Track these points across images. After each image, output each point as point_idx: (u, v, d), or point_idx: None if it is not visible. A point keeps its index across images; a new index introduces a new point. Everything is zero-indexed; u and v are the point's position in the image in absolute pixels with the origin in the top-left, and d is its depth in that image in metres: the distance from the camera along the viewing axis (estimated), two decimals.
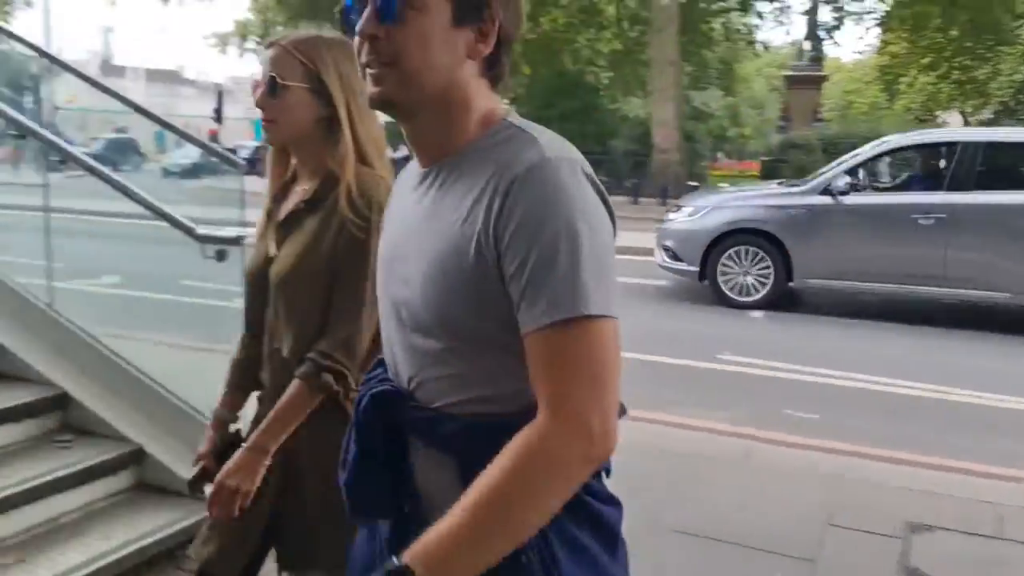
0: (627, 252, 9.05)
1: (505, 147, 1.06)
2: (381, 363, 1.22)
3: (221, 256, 2.78)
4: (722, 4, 25.50)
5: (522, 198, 1.00)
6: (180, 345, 4.54)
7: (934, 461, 4.17)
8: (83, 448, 3.09)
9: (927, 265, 7.38)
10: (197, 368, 3.41)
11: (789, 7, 35.04)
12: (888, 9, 25.67)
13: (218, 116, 24.97)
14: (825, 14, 26.58)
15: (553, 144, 1.06)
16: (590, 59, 28.49)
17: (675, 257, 8.55)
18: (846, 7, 26.89)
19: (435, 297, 1.05)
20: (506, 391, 1.05)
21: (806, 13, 26.10)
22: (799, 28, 52.29)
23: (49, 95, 6.66)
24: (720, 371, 6.08)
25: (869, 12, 27.47)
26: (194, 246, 2.83)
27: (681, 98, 22.82)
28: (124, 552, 2.71)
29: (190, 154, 19.13)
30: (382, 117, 1.38)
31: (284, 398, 1.63)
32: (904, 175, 8.86)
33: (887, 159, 8.91)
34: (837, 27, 27.69)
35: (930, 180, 7.89)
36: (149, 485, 3.08)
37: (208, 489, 1.67)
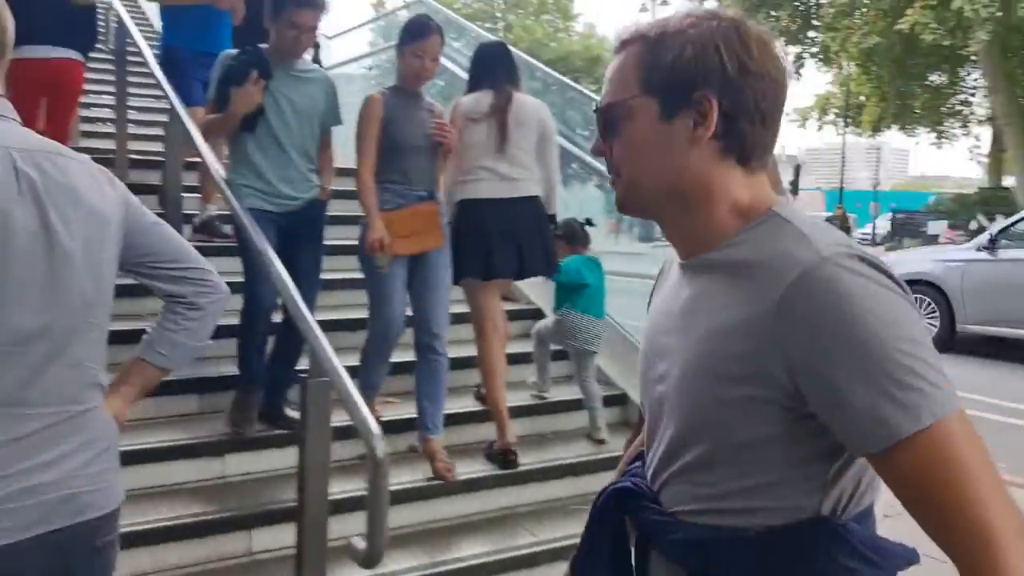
0: None
1: (769, 244, 0.99)
2: (641, 456, 1.21)
3: None
4: None
5: (806, 311, 0.91)
6: None
7: None
8: None
9: None
10: None
11: None
12: None
13: (795, 188, 26.10)
14: None
15: (826, 239, 0.96)
16: None
17: None
18: None
19: (691, 402, 1.03)
20: (775, 505, 0.98)
21: None
22: None
23: None
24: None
25: None
26: None
27: None
28: None
29: None
30: None
31: None
32: None
33: None
34: None
35: None
36: None
37: None
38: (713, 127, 1.02)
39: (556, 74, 7.66)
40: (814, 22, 25.02)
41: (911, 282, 8.18)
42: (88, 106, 6.38)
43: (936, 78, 24.88)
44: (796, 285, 0.92)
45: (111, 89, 5.78)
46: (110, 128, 5.91)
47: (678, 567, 1.06)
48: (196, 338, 1.70)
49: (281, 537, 3.00)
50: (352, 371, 2.72)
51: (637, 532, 1.16)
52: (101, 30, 6.45)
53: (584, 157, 5.95)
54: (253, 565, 3.04)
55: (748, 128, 1.03)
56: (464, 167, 3.71)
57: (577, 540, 1.27)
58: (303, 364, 3.15)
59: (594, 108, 1.11)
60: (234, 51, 3.40)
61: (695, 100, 1.01)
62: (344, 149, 4.58)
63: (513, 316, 4.62)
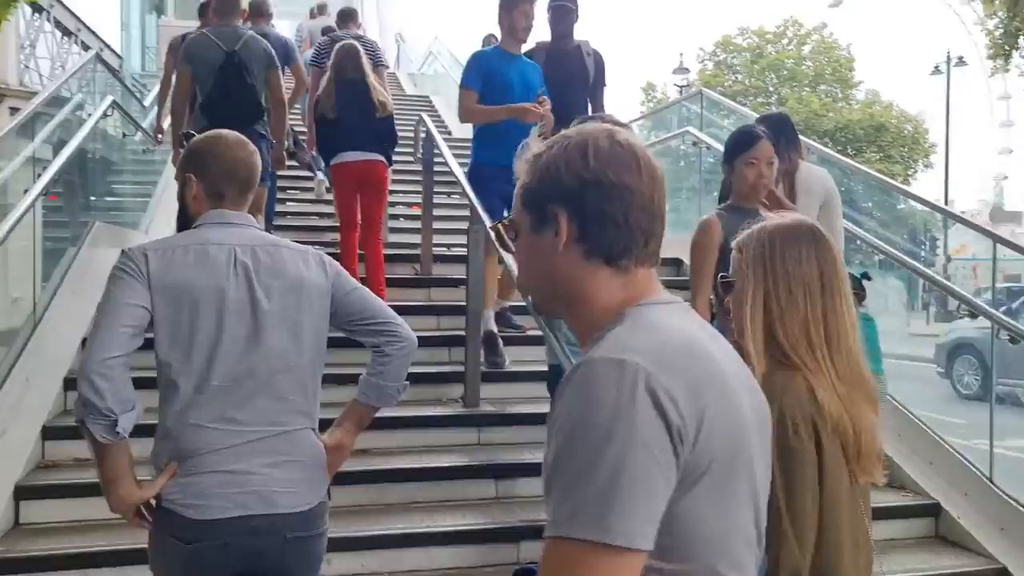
0: None
1: (592, 346, 1.05)
2: None
3: None
4: None
5: (557, 397, 1.00)
6: None
7: None
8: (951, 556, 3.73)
9: None
10: None
11: None
12: None
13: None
14: None
15: (618, 343, 1.01)
16: None
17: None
18: None
19: None
20: None
21: None
22: None
23: (944, 245, 8.95)
24: None
25: None
26: None
27: None
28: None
29: None
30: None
31: None
32: None
33: None
34: None
35: None
36: None
37: None
38: (565, 236, 1.12)
39: (826, 148, 7.47)
40: None
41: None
42: (394, 204, 7.37)
43: None
44: (566, 379, 1.02)
45: (418, 188, 6.66)
46: (416, 225, 6.77)
47: None
48: (389, 379, 2.16)
49: None
50: None
51: None
52: (410, 141, 7.46)
53: (861, 234, 5.84)
54: None
55: (602, 232, 1.11)
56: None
57: None
58: None
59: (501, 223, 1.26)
60: None
61: (549, 213, 1.13)
62: None
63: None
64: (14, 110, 20.91)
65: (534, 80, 4.82)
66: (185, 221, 2.49)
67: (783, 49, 32.70)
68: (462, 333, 4.61)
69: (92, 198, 6.49)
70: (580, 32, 5.28)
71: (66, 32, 25.84)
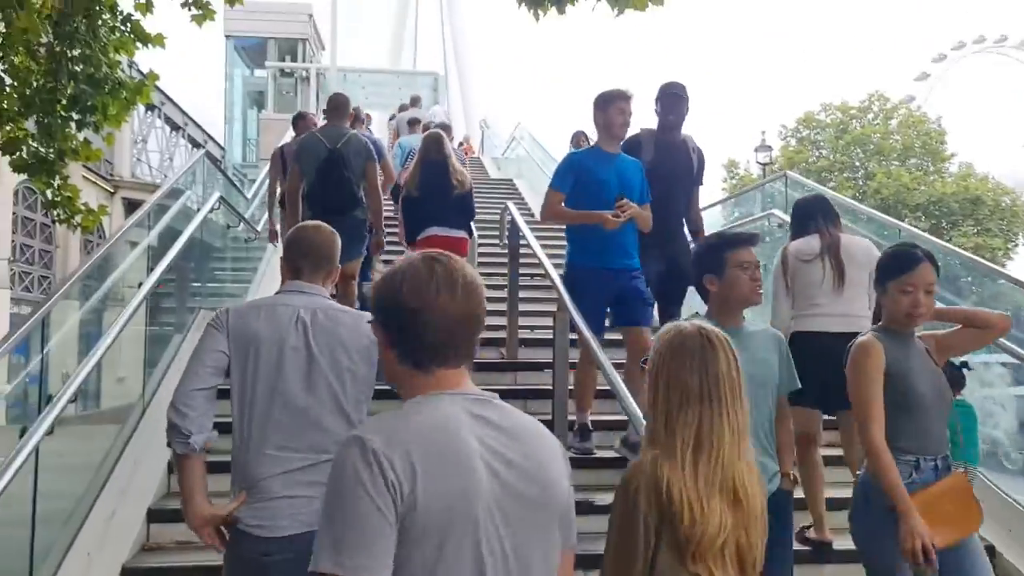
0: None
1: None
2: None
3: None
4: None
5: None
6: None
7: None
8: None
9: None
10: None
11: None
12: None
13: None
14: None
15: (371, 424, 1.43)
16: None
17: None
18: None
19: None
20: None
21: None
22: None
23: None
24: None
25: None
26: None
27: None
28: None
29: None
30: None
31: None
32: None
33: None
34: None
35: None
36: None
37: None
38: (383, 345, 1.51)
39: (915, 228, 7.30)
40: None
41: None
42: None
43: None
44: None
45: (503, 271, 6.79)
46: (501, 307, 6.87)
47: None
48: None
49: None
50: None
51: None
52: (495, 226, 7.64)
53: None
54: None
55: (408, 346, 1.46)
56: (801, 304, 4.07)
57: None
58: None
59: None
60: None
61: (376, 323, 1.51)
62: None
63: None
64: (126, 200, 22.42)
65: (633, 179, 4.59)
66: None
67: (869, 124, 32.29)
68: (548, 417, 4.63)
69: (197, 284, 6.87)
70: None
71: (175, 126, 27.77)
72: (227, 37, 25.23)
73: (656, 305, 4.90)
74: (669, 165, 4.85)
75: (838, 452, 4.45)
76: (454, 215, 5.92)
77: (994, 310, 3.78)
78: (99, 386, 5.17)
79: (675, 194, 4.92)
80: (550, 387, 4.72)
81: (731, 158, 33.66)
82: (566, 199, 4.59)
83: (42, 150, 6.26)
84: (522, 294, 6.52)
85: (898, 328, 2.84)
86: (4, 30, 5.42)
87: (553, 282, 4.96)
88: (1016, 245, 29.87)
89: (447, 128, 9.00)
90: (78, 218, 6.66)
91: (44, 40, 5.87)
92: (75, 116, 6.20)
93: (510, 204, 6.70)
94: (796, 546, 3.56)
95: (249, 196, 9.25)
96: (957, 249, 6.79)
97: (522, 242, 6.09)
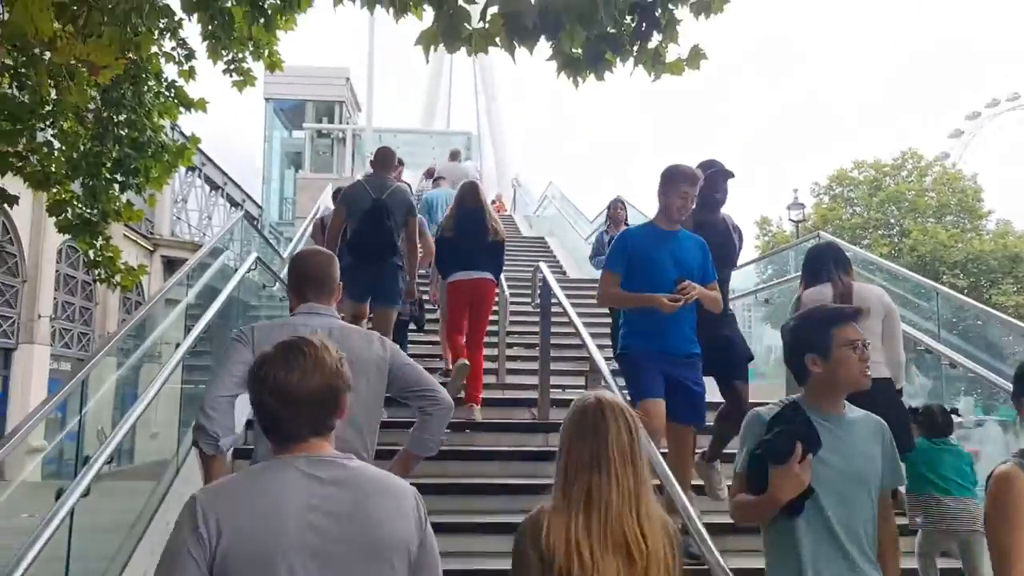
0: None
1: None
2: None
3: None
4: None
5: None
6: None
7: None
8: None
9: None
10: None
11: None
12: None
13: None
14: None
15: (209, 487, 1.85)
16: None
17: None
18: None
19: None
20: None
21: None
22: None
23: None
24: None
25: None
26: None
27: None
28: None
29: None
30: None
31: None
32: None
33: None
34: None
35: None
36: None
37: None
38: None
39: (954, 292, 7.22)
40: None
41: None
42: (512, 346, 7.53)
43: None
44: None
45: (535, 330, 6.80)
46: (533, 366, 6.86)
47: None
48: (429, 434, 2.87)
49: None
50: None
51: None
52: (527, 284, 7.67)
53: (993, 378, 5.57)
54: None
55: (264, 427, 1.84)
56: None
57: None
58: None
59: None
60: (765, 409, 2.57)
61: None
62: None
63: None
64: (165, 258, 22.89)
65: (691, 258, 4.33)
66: None
67: (903, 181, 32.13)
68: None
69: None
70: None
71: (214, 186, 28.43)
72: (267, 100, 26.01)
73: (718, 384, 4.68)
74: (710, 245, 4.55)
75: None
76: (484, 259, 6.16)
77: None
78: (133, 443, 5.22)
79: (719, 275, 4.66)
80: None
81: (763, 215, 33.62)
82: (621, 279, 4.34)
83: (87, 212, 6.44)
84: (554, 353, 6.52)
85: None
86: (55, 97, 5.64)
87: (584, 342, 4.95)
88: None
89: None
90: (118, 277, 6.81)
91: (92, 106, 6.10)
92: (119, 178, 6.39)
93: (542, 265, 6.73)
94: None
95: (285, 255, 9.41)
96: (996, 312, 6.68)
97: (553, 301, 6.10)
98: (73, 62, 4.13)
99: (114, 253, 6.79)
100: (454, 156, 13.56)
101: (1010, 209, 57.16)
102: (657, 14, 3.58)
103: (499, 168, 38.37)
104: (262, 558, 1.65)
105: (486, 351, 6.38)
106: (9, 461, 3.34)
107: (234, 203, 28.14)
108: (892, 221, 31.48)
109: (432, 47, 3.44)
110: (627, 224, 7.93)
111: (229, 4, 5.37)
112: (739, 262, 9.14)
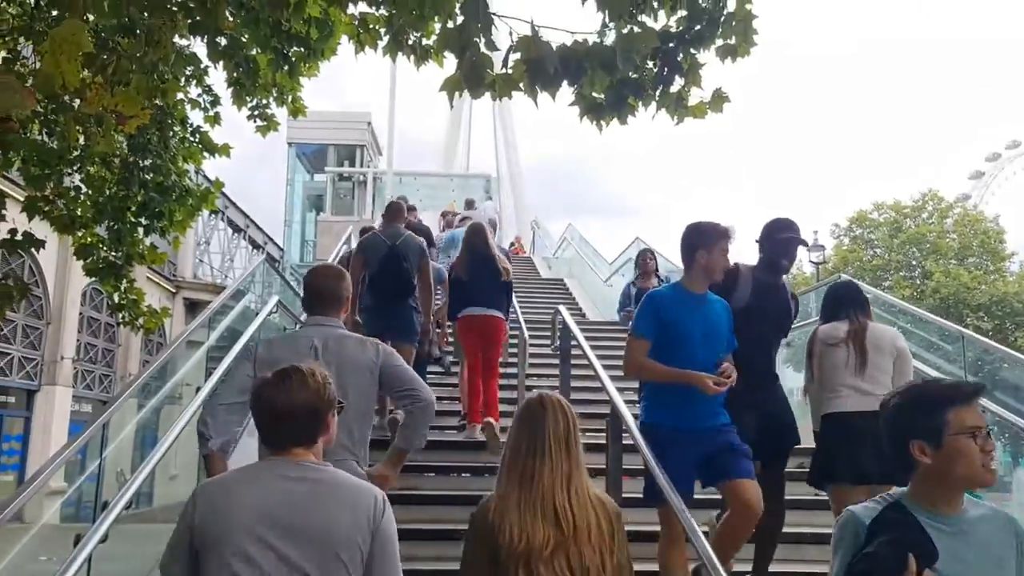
0: None
1: None
2: None
3: None
4: None
5: None
6: None
7: None
8: None
9: None
10: None
11: None
12: None
13: None
14: None
15: (208, 479, 2.05)
16: None
17: None
18: None
19: None
20: None
21: None
22: None
23: None
24: None
25: None
26: None
27: None
28: None
29: None
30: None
31: None
32: None
33: None
34: None
35: None
36: None
37: None
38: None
39: (987, 340, 7.12)
40: None
41: None
42: (530, 388, 7.47)
43: None
44: None
45: (555, 372, 6.77)
46: None
47: None
48: (414, 430, 3.20)
49: None
50: None
51: None
52: (547, 326, 7.66)
53: (1018, 421, 5.55)
54: None
55: (259, 434, 2.24)
56: (827, 385, 4.28)
57: None
58: None
59: None
60: (862, 508, 2.11)
61: None
62: None
63: None
64: (187, 300, 23.10)
65: (720, 325, 3.99)
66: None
67: (924, 222, 31.98)
68: None
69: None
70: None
71: (236, 228, 28.78)
72: (289, 144, 26.40)
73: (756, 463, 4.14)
74: (767, 310, 4.32)
75: None
76: (495, 297, 6.53)
77: None
78: (152, 486, 5.21)
79: (769, 341, 4.43)
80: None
81: None
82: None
83: (111, 255, 6.52)
84: (574, 396, 6.47)
85: None
86: (83, 143, 5.75)
87: (604, 385, 4.91)
88: None
89: (493, 224, 9.45)
90: (142, 320, 6.87)
91: (118, 152, 6.21)
92: (143, 222, 6.48)
93: (562, 308, 6.73)
94: None
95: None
96: (1022, 356, 6.58)
97: (573, 343, 6.08)
98: (102, 110, 4.22)
99: (138, 296, 6.86)
100: (469, 205, 14.51)
101: None
102: (679, 58, 3.61)
103: (518, 210, 38.58)
104: (219, 534, 2.02)
105: (504, 394, 6.50)
106: (28, 504, 3.34)
107: (256, 245, 28.45)
108: (913, 263, 31.27)
109: (457, 93, 3.49)
110: (657, 275, 7.85)
111: (254, 52, 5.48)
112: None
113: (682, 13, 3.64)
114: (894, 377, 4.27)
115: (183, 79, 5.95)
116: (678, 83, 3.72)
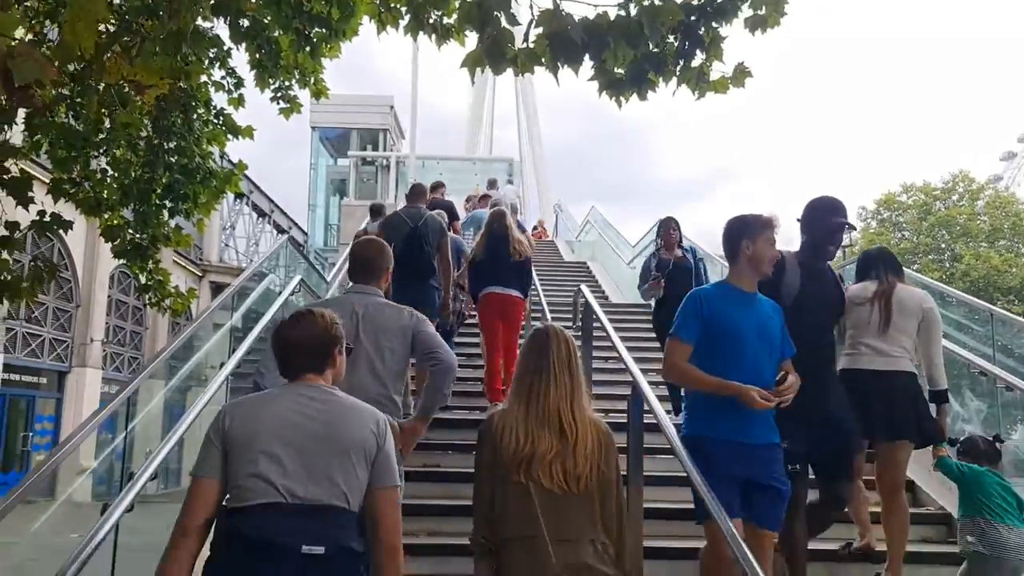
0: None
1: None
2: None
3: None
4: None
5: None
6: None
7: None
8: None
9: None
10: None
11: None
12: None
13: None
14: None
15: (236, 400, 2.32)
16: None
17: None
18: None
19: None
20: None
21: None
22: None
23: None
24: None
25: None
26: None
27: None
28: None
29: None
30: None
31: None
32: None
33: None
34: None
35: None
36: None
37: None
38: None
39: (1002, 311, 6.99)
40: None
41: None
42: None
43: None
44: None
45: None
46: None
47: None
48: (436, 390, 3.46)
49: None
50: None
51: None
52: (568, 308, 7.63)
53: None
54: None
55: (278, 365, 2.57)
56: (849, 342, 4.37)
57: None
58: None
59: None
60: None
61: None
62: None
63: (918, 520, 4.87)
64: (214, 283, 23.34)
65: (774, 329, 3.60)
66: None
67: (954, 205, 31.48)
68: None
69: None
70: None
71: (261, 213, 29.00)
72: (312, 128, 26.48)
73: (815, 475, 3.99)
74: (819, 297, 4.02)
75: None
76: (511, 277, 6.82)
77: None
78: (180, 464, 5.27)
79: (824, 332, 4.10)
80: (623, 474, 4.58)
81: None
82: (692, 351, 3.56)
83: (137, 237, 6.59)
84: (596, 377, 6.46)
85: None
86: (108, 126, 5.80)
87: (627, 365, 4.88)
88: None
89: (514, 208, 9.60)
90: (168, 301, 6.94)
91: (144, 133, 6.26)
92: (168, 204, 6.53)
93: (583, 287, 6.71)
94: None
95: (329, 279, 9.51)
96: None
97: (595, 324, 6.06)
98: (120, 82, 4.26)
99: (164, 277, 6.92)
100: (491, 185, 15.00)
101: None
102: (701, 32, 3.56)
103: (541, 193, 38.46)
104: (248, 439, 2.31)
105: None
106: (61, 479, 3.40)
107: (281, 230, 28.64)
108: (943, 246, 30.83)
109: (479, 69, 3.47)
110: (681, 247, 7.14)
111: (276, 33, 5.49)
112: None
113: None
114: (919, 342, 4.33)
115: (206, 61, 5.97)
116: (699, 57, 3.67)
